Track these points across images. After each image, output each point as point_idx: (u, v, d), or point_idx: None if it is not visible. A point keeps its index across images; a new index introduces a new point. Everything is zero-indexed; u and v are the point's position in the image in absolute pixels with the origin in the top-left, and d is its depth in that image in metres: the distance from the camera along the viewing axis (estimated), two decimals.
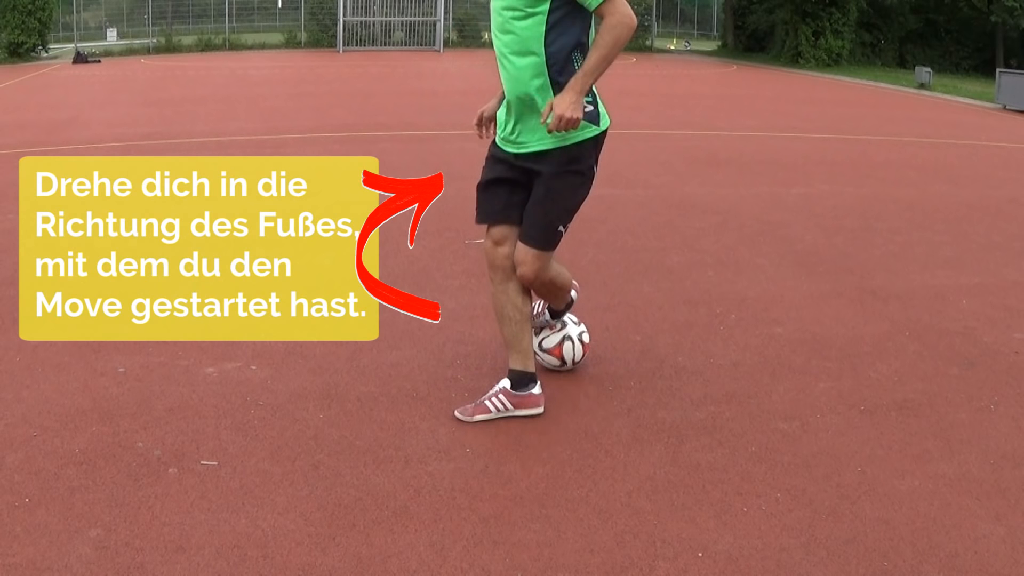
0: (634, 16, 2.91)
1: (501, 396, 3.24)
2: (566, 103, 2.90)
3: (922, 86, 21.25)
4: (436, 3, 27.63)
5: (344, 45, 26.87)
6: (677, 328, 4.21)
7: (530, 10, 2.95)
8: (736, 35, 32.13)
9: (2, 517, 2.55)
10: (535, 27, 2.97)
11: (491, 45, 3.18)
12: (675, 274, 5.05)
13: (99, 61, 23.01)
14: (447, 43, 28.38)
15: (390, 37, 28.85)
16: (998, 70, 19.38)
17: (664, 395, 3.47)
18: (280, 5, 31.26)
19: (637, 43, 32.03)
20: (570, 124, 2.91)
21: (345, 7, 26.93)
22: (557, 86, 2.99)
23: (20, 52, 23.48)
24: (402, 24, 28.70)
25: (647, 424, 3.23)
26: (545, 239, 3.14)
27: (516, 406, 3.24)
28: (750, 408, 3.40)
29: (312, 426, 3.15)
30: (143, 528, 2.51)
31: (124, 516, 2.57)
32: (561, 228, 3.16)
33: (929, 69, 22.22)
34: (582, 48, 3.02)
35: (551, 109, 2.92)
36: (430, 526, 2.57)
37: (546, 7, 2.94)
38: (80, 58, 22.60)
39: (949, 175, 8.89)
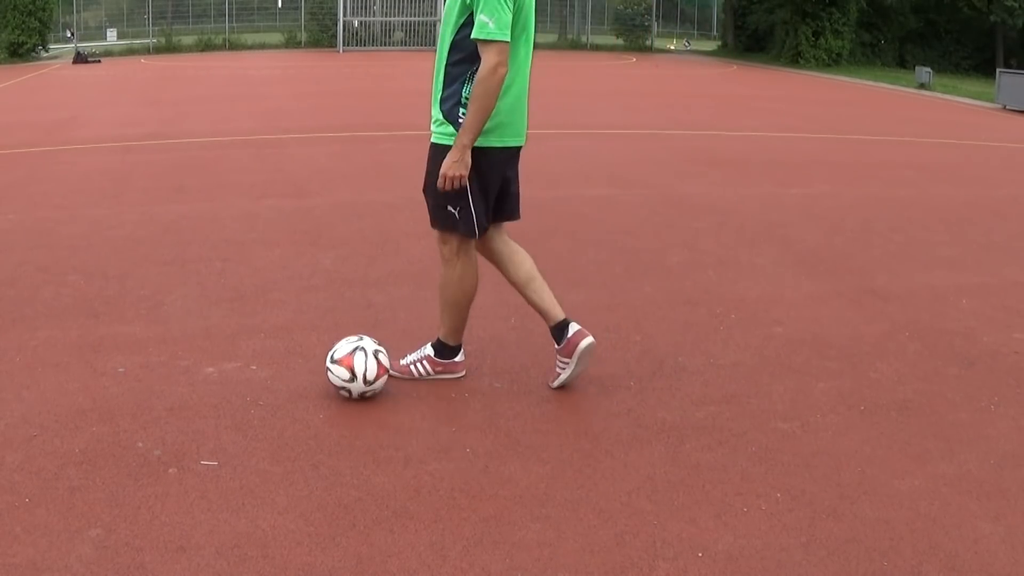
0: (501, 68, 2.99)
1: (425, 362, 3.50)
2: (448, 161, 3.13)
3: (922, 86, 21.27)
4: (436, 3, 27.65)
5: (344, 45, 26.88)
6: (677, 328, 4.21)
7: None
8: (736, 35, 32.15)
9: (2, 517, 2.54)
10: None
11: None
12: (675, 274, 5.05)
13: (99, 61, 23.03)
14: None
15: (390, 37, 28.87)
16: (998, 70, 19.41)
17: (664, 395, 3.47)
18: (280, 5, 31.29)
19: (637, 43, 31.99)
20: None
21: (345, 7, 26.94)
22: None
23: (20, 52, 23.50)
24: (402, 24, 28.72)
25: (647, 424, 3.23)
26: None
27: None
28: (750, 408, 3.40)
29: (312, 426, 3.15)
30: (143, 528, 2.51)
31: (124, 516, 2.57)
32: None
33: (929, 69, 22.25)
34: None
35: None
36: (430, 526, 2.57)
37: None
38: (80, 58, 22.62)
39: (949, 175, 8.89)
